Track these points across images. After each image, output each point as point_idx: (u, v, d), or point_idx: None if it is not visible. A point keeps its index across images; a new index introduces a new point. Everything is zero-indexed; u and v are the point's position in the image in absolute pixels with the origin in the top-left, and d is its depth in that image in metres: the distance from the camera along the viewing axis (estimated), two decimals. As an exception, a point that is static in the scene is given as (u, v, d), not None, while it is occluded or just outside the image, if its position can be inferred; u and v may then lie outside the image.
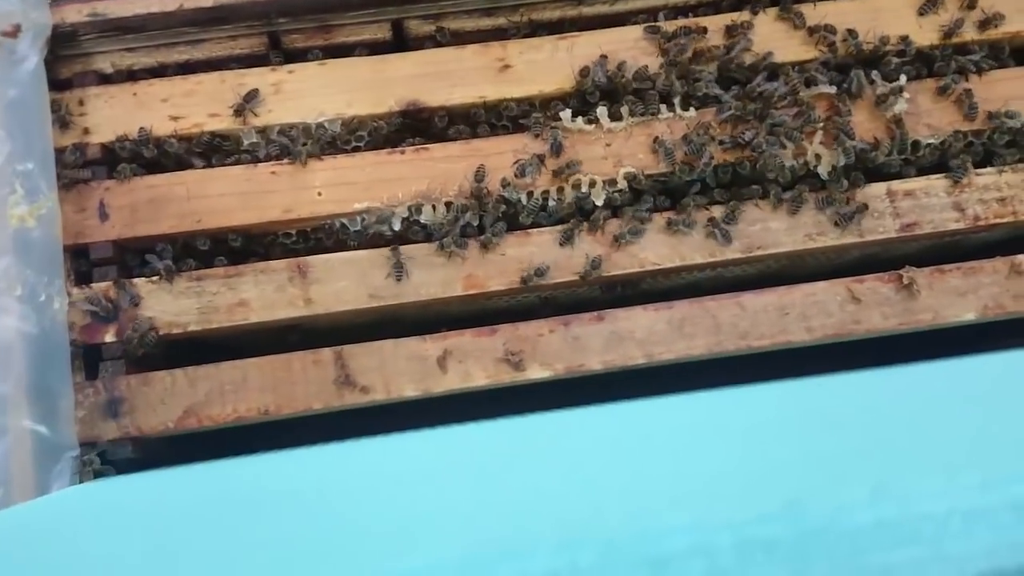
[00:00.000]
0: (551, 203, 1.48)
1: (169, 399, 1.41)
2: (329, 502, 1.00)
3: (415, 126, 1.54)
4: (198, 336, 1.44)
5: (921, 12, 1.54)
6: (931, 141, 1.51)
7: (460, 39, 1.55)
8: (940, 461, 0.76)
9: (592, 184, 1.49)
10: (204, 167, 1.48)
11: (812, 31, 1.52)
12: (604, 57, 1.51)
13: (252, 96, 1.48)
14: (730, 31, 1.52)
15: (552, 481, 0.91)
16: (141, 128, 1.46)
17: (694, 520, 0.65)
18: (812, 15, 1.54)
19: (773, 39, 1.54)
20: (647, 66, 1.51)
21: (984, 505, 0.66)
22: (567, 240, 1.46)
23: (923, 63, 1.54)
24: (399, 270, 1.44)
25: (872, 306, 1.46)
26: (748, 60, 1.52)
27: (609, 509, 0.75)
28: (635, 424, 1.25)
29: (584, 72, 1.49)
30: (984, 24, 1.54)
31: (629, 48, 1.53)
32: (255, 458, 1.29)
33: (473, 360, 1.43)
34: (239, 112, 1.48)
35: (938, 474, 0.69)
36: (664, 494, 0.78)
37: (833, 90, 1.50)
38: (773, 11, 1.54)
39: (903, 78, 1.51)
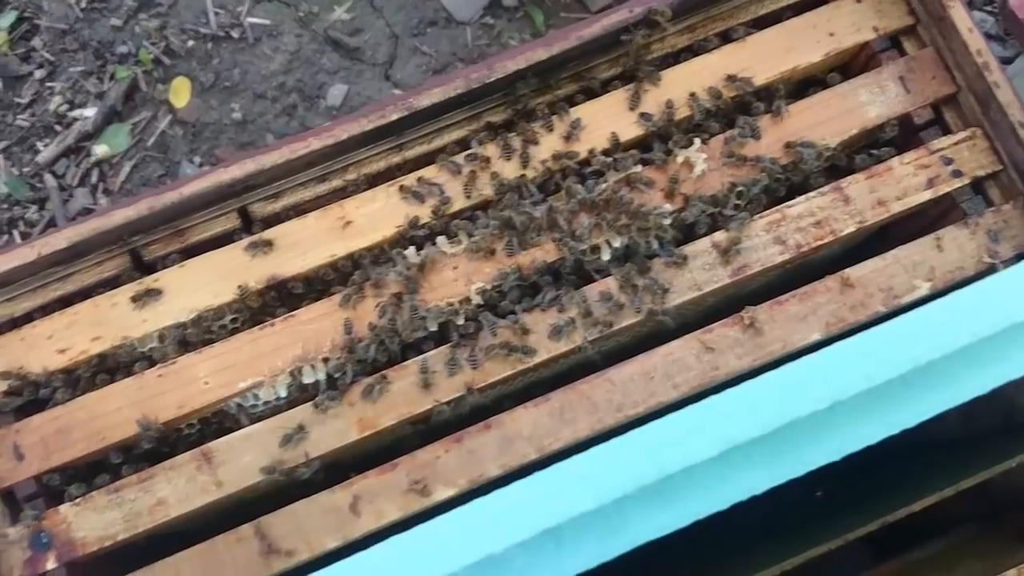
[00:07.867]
0: (417, 333, 1.60)
1: (113, 608, 1.51)
2: None
3: (284, 297, 1.68)
4: (130, 542, 1.55)
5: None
6: (740, 189, 1.64)
7: (302, 209, 1.69)
8: None
9: (450, 306, 1.62)
10: (97, 388, 1.60)
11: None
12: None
13: (152, 293, 1.61)
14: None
15: None
16: (29, 372, 1.59)
17: None
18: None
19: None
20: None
21: None
22: (448, 361, 1.59)
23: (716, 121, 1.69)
24: (292, 436, 1.55)
25: (725, 350, 1.58)
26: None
27: None
28: None
29: (413, 222, 1.64)
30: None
31: (450, 180, 1.67)
32: None
33: (383, 498, 1.54)
34: (137, 301, 1.61)
35: None
36: None
37: (640, 168, 1.65)
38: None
39: (697, 141, 1.66)
